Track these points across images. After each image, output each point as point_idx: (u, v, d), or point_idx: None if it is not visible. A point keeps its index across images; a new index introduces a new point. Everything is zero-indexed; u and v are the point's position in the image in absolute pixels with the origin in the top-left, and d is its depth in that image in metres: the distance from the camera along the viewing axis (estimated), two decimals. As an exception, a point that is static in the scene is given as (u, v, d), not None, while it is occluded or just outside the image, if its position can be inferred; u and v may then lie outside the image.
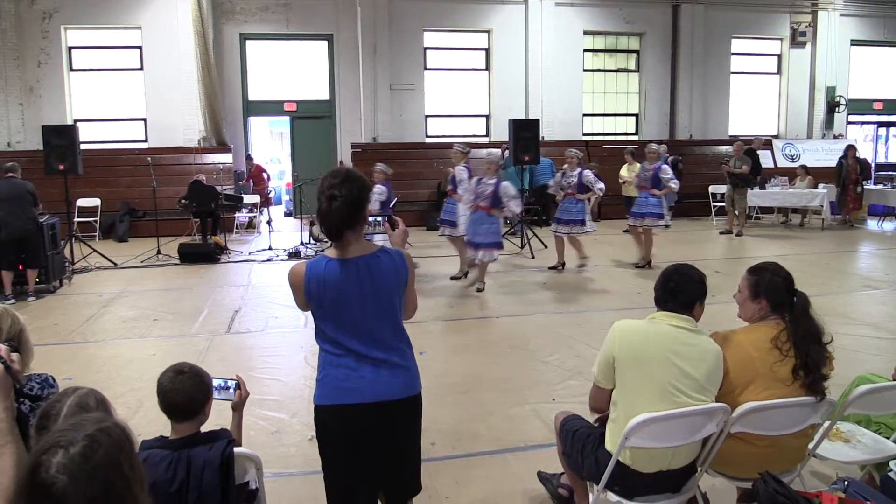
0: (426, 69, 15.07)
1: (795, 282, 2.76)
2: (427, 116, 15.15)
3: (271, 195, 15.10)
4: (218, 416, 2.46)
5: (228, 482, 2.15)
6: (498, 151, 6.80)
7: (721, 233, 12.24)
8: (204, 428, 2.32)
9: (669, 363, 2.46)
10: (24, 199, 7.59)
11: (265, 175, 14.75)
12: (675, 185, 8.85)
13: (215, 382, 2.43)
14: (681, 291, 2.59)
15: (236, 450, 2.21)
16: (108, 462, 1.25)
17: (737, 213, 12.17)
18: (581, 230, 8.58)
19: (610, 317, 6.52)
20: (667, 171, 8.87)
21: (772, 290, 2.66)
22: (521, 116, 14.27)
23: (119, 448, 1.28)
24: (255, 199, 13.89)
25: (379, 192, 7.92)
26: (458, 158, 8.45)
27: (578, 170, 8.64)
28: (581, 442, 2.72)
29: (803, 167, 13.81)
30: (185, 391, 2.24)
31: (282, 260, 10.02)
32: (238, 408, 2.55)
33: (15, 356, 1.84)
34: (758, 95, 16.97)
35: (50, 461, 1.21)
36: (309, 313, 2.41)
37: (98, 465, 1.23)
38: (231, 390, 2.50)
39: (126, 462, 1.28)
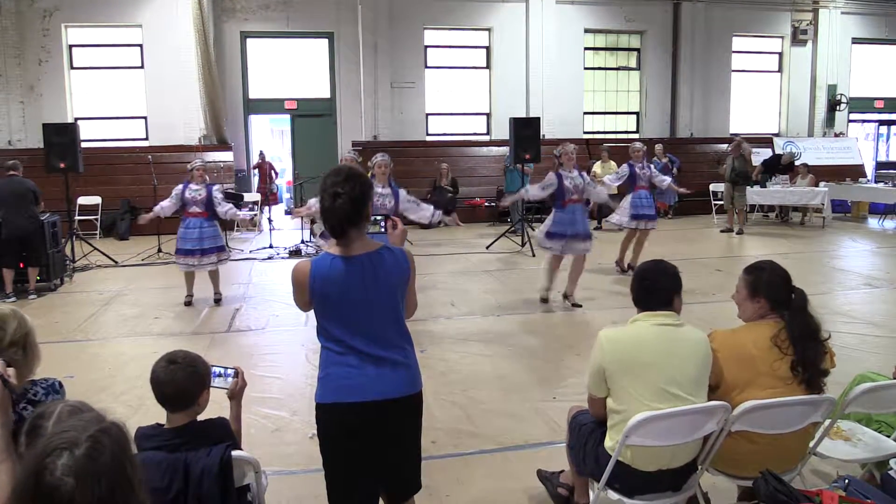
0: (427, 67, 15.06)
1: (797, 280, 2.76)
2: (428, 114, 15.14)
3: (276, 192, 15.16)
4: (220, 409, 2.45)
5: (228, 489, 2.14)
6: (382, 158, 6.01)
7: (722, 231, 12.24)
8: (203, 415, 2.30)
9: (663, 364, 2.47)
10: (26, 198, 7.61)
11: (273, 173, 14.81)
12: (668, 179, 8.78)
13: (214, 370, 2.40)
14: (657, 288, 2.60)
15: (234, 453, 2.19)
16: (112, 462, 1.24)
17: (736, 211, 12.17)
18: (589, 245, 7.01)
19: (611, 315, 6.52)
20: (656, 172, 8.77)
21: (770, 289, 2.67)
22: (522, 115, 14.25)
23: (122, 448, 1.28)
24: (257, 196, 13.91)
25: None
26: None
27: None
28: (584, 437, 2.73)
29: (804, 165, 13.81)
30: (177, 382, 2.20)
31: (282, 258, 10.03)
32: (235, 397, 2.50)
33: (11, 371, 1.82)
34: (759, 94, 16.96)
35: (55, 463, 1.20)
36: (310, 311, 2.41)
37: (104, 465, 1.23)
38: (229, 378, 2.47)
39: (128, 462, 1.28)
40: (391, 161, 5.93)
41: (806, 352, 2.55)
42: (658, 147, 13.68)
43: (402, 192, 5.89)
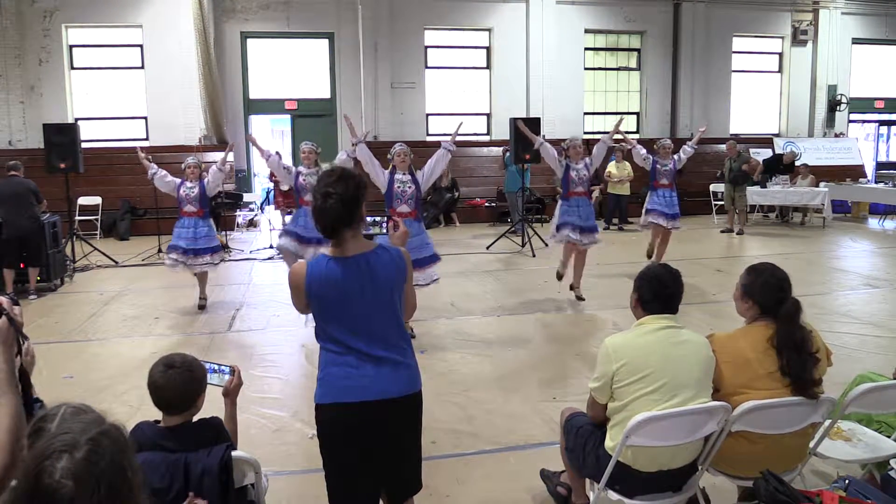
0: (427, 67, 15.07)
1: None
2: (428, 115, 15.14)
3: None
4: (218, 410, 2.45)
5: (228, 489, 2.14)
6: (401, 147, 6.12)
7: (722, 231, 12.24)
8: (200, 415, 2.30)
9: (669, 367, 2.48)
10: (26, 198, 7.61)
11: None
12: (691, 149, 8.41)
13: (210, 366, 2.40)
14: (675, 295, 2.62)
15: (234, 453, 2.19)
16: (112, 465, 1.23)
17: (737, 211, 12.18)
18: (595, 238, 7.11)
19: (611, 315, 6.52)
20: (681, 159, 8.48)
21: (760, 293, 2.67)
22: (522, 115, 14.22)
23: (122, 451, 1.27)
24: (255, 197, 13.90)
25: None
26: (312, 160, 6.92)
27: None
28: (584, 439, 2.73)
29: (805, 166, 13.81)
30: (175, 387, 2.20)
31: (283, 258, 10.00)
32: (229, 395, 2.49)
33: (17, 310, 1.81)
34: (759, 94, 16.96)
35: (54, 466, 1.19)
36: (309, 313, 2.41)
37: (104, 468, 1.22)
38: (225, 376, 2.46)
39: (128, 464, 1.27)
40: (410, 150, 6.05)
41: (790, 362, 2.54)
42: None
43: (420, 174, 6.01)
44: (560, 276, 7.30)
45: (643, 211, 8.53)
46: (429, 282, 5.93)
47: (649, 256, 8.57)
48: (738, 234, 11.88)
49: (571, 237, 6.90)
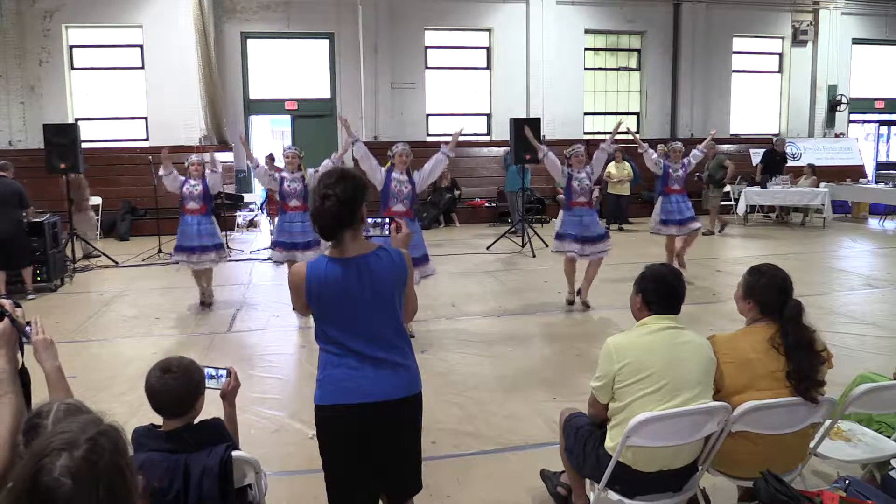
0: (427, 68, 15.07)
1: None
2: (428, 115, 15.14)
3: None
4: (219, 411, 2.45)
5: (228, 489, 2.13)
6: (403, 147, 6.17)
7: (717, 231, 12.21)
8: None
9: (671, 367, 2.48)
10: (10, 201, 7.50)
11: None
12: (700, 153, 8.34)
13: (206, 371, 2.39)
14: (679, 296, 2.62)
15: (234, 453, 2.18)
16: (111, 465, 1.23)
17: (708, 208, 12.27)
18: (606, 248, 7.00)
19: (611, 315, 6.53)
20: (691, 164, 8.43)
21: (762, 294, 2.68)
22: (522, 115, 14.25)
23: (120, 451, 1.27)
24: (255, 197, 13.89)
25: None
26: (295, 163, 6.87)
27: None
28: (583, 440, 2.73)
29: (810, 166, 13.81)
30: (173, 392, 2.18)
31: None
32: (227, 397, 2.48)
33: (19, 311, 1.82)
34: (759, 94, 16.96)
35: (53, 464, 1.18)
36: (310, 315, 2.40)
37: (102, 468, 1.21)
38: (221, 379, 2.45)
39: (126, 465, 1.27)
40: (410, 151, 6.10)
41: (801, 363, 2.54)
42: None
43: (417, 175, 6.06)
44: (570, 302, 7.02)
45: (657, 220, 8.30)
46: (423, 277, 5.91)
47: (681, 266, 8.19)
48: (706, 233, 11.66)
49: (567, 249, 6.81)
